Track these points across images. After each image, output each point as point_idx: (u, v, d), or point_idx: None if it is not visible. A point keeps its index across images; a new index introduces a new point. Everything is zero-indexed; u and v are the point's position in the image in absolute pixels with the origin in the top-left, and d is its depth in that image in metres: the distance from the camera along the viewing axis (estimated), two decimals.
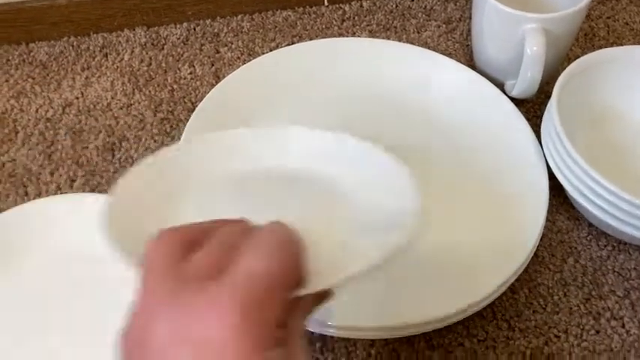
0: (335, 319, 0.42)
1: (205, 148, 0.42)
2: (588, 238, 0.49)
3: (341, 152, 0.42)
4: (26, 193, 0.52)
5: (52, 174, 0.53)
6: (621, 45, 0.63)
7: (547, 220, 0.50)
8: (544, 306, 0.46)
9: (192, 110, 0.54)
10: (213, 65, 0.61)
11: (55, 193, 0.52)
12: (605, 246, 0.49)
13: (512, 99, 0.54)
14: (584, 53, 0.63)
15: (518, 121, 0.52)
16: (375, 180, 0.40)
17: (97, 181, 0.52)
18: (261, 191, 0.41)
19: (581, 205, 0.46)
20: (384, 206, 0.38)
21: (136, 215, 0.36)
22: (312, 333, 0.43)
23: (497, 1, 0.51)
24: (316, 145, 0.43)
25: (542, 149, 0.49)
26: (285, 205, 0.39)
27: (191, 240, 0.27)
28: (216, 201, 0.40)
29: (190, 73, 0.60)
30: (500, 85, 0.57)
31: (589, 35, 0.64)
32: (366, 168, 0.41)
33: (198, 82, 0.60)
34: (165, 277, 0.26)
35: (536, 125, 0.52)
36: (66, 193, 0.52)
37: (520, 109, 0.57)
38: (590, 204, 0.45)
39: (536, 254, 0.48)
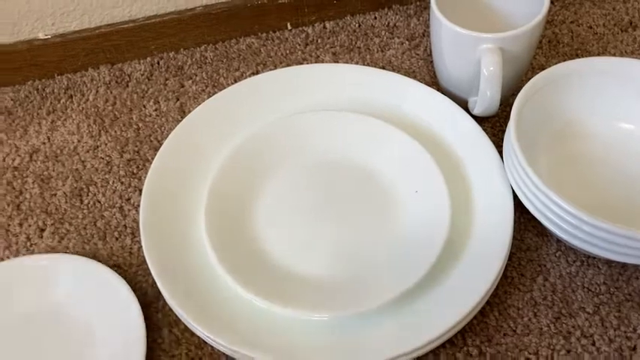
0: (306, 355, 0.42)
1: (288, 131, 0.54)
2: (557, 255, 0.49)
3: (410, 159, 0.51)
4: None
5: (20, 225, 0.53)
6: (586, 50, 0.63)
7: (515, 238, 0.50)
8: (514, 328, 0.46)
9: (158, 149, 0.54)
10: (178, 100, 0.61)
11: (25, 244, 0.52)
12: (574, 261, 0.49)
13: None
14: (548, 61, 0.63)
15: (481, 139, 0.52)
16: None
17: (66, 229, 0.53)
18: (327, 179, 0.52)
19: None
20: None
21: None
22: None
23: (454, 20, 0.51)
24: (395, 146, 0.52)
25: (505, 168, 0.49)
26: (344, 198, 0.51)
27: None
28: (290, 186, 0.52)
29: (155, 110, 0.60)
30: (464, 102, 0.56)
31: (553, 42, 0.64)
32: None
33: (163, 119, 0.60)
34: None
35: (502, 140, 0.52)
36: (35, 243, 0.52)
37: (485, 125, 0.57)
38: (552, 225, 0.45)
39: (505, 275, 0.48)
